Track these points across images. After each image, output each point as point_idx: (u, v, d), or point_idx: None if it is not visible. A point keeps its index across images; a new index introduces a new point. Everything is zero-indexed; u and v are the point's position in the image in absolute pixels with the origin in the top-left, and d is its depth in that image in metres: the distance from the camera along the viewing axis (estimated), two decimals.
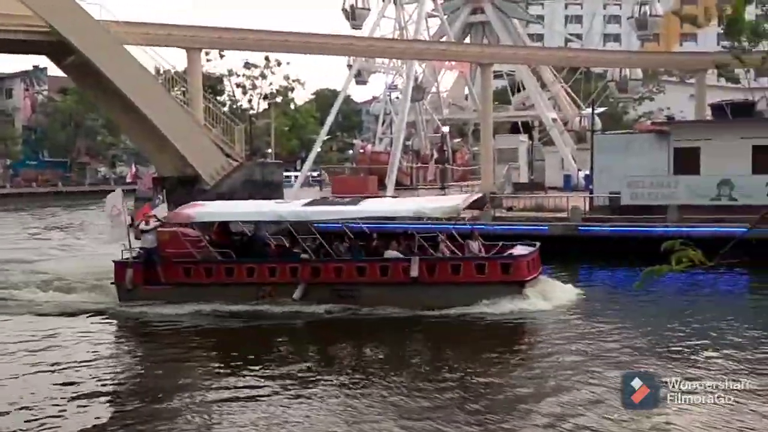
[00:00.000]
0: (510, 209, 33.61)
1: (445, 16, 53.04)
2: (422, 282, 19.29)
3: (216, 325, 18.63)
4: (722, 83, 52.99)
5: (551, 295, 19.75)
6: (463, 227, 22.44)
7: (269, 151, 67.18)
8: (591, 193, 32.74)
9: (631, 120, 66.49)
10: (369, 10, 51.41)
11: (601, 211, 30.92)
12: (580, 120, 54.16)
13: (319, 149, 53.56)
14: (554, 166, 50.01)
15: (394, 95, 55.44)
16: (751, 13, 48.46)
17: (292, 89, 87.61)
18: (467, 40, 55.37)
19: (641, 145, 31.55)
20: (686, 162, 30.16)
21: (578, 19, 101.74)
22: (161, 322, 18.96)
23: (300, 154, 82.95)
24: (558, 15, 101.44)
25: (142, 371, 15.21)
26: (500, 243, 21.16)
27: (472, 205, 23.85)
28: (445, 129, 45.71)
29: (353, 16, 50.35)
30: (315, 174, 55.65)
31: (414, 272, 19.22)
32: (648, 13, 53.32)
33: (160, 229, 21.22)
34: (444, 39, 50.34)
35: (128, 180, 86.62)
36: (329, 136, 64.93)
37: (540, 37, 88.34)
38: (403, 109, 45.22)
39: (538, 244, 21.15)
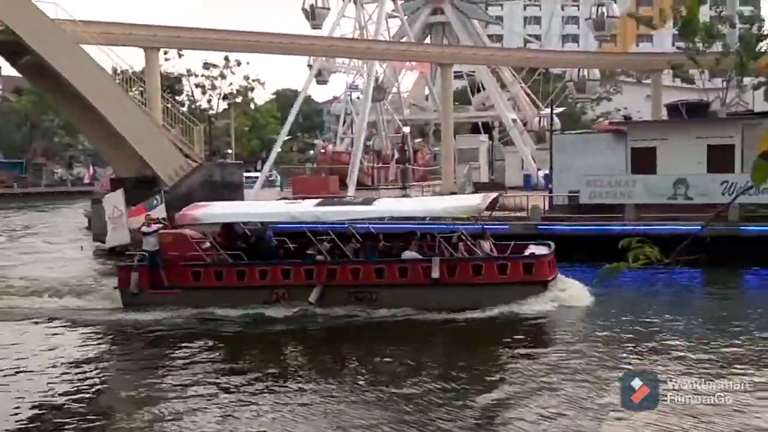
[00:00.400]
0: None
1: (405, 17, 53.16)
2: (443, 283, 18.83)
3: (226, 330, 18.01)
4: (677, 84, 53.77)
5: (571, 295, 19.39)
6: (474, 227, 21.56)
7: (229, 151, 66.69)
8: (550, 192, 33.06)
9: (589, 120, 67.30)
10: (329, 9, 51.30)
11: (561, 210, 31.23)
12: (540, 120, 54.66)
13: (279, 149, 53.34)
14: (514, 165, 50.43)
15: (354, 95, 55.39)
16: (705, 14, 49.35)
17: (252, 89, 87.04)
18: (427, 40, 55.57)
19: (599, 144, 31.96)
20: (643, 161, 30.61)
21: (537, 20, 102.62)
22: (169, 327, 18.27)
23: (260, 154, 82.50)
24: (517, 16, 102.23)
25: (152, 379, 14.36)
26: (512, 243, 20.73)
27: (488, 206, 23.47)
28: (407, 129, 45.83)
29: (313, 15, 50.19)
30: (269, 174, 55.33)
31: (435, 273, 18.80)
32: (605, 14, 54.07)
33: (162, 231, 20.60)
34: (404, 39, 50.45)
35: (86, 181, 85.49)
36: (290, 137, 64.65)
37: (499, 38, 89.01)
38: (364, 109, 45.21)
39: (551, 244, 20.88)
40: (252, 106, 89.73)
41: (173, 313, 18.98)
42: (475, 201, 21.09)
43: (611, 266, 5.21)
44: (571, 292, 19.52)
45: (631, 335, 16.61)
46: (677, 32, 39.72)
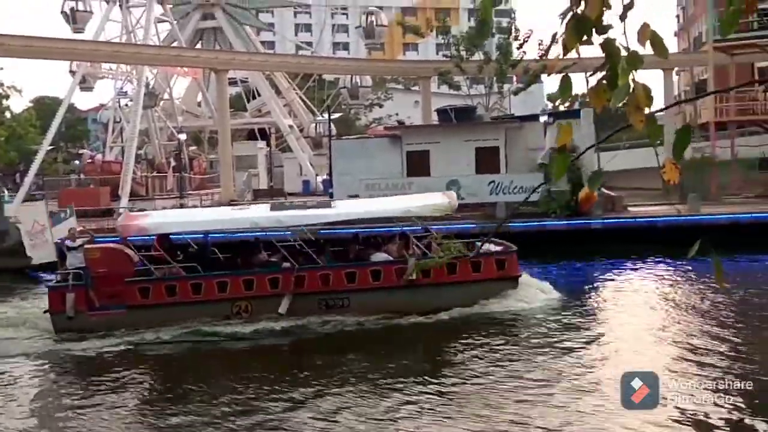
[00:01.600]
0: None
1: (175, 21, 51.68)
2: (418, 284, 18.03)
3: (183, 351, 16.21)
4: (444, 90, 56.50)
5: (536, 292, 19.25)
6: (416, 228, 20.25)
7: None
8: (331, 197, 33.40)
9: (362, 126, 69.03)
10: (91, 13, 48.67)
11: None
12: (316, 126, 55.29)
13: (42, 160, 49.71)
14: (293, 172, 50.63)
15: (123, 102, 52.96)
16: (468, 25, 52.34)
17: (8, 96, 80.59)
18: (198, 46, 54.36)
19: (376, 149, 32.84)
20: (418, 164, 31.82)
21: (308, 27, 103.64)
22: (113, 354, 16.00)
23: (19, 166, 76.57)
24: (288, 23, 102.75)
25: (106, 421, 12.19)
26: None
27: None
28: (183, 136, 44.50)
29: (74, 19, 47.39)
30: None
31: (411, 275, 17.94)
32: (375, 23, 55.73)
33: (87, 246, 18.44)
34: (175, 44, 48.99)
35: None
36: (52, 147, 60.52)
37: (271, 45, 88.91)
38: (135, 117, 43.38)
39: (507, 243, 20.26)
40: (8, 114, 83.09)
41: (117, 339, 16.77)
42: (445, 199, 19.94)
43: (422, 262, 5.35)
44: (534, 289, 19.43)
45: None
46: (443, 41, 41.55)
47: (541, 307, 18.27)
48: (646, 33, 3.45)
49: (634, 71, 3.56)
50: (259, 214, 19.41)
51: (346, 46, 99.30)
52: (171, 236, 19.56)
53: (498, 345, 15.49)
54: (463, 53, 39.25)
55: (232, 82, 55.52)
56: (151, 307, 17.61)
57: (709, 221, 27.21)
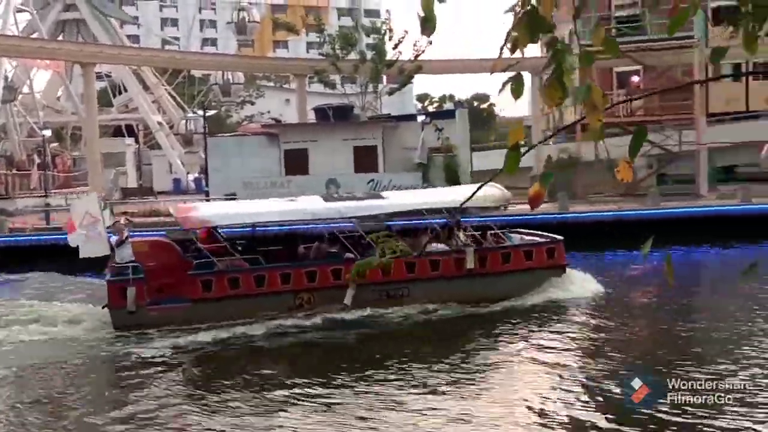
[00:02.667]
0: (125, 215, 32.27)
1: (35, 12, 49.14)
2: (475, 274, 18.08)
3: (253, 344, 15.70)
4: (317, 89, 56.42)
5: (581, 281, 19.33)
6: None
7: None
8: (207, 195, 32.74)
9: (234, 123, 67.90)
10: None
11: None
12: (186, 123, 53.90)
13: None
14: (162, 170, 49.24)
15: None
16: (343, 24, 52.45)
17: None
18: (60, 38, 51.90)
19: (253, 147, 32.40)
20: (296, 162, 31.65)
21: (174, 22, 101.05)
22: (183, 349, 15.31)
23: None
24: (153, 17, 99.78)
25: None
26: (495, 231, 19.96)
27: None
28: (47, 132, 42.31)
29: None
30: None
31: (470, 264, 18.03)
32: (246, 19, 54.96)
33: (134, 240, 17.81)
34: (35, 35, 46.58)
35: None
36: None
37: (136, 39, 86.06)
38: None
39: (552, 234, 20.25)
40: None
41: (188, 334, 16.07)
42: (498, 190, 19.31)
43: (363, 261, 5.27)
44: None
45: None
46: (319, 39, 41.45)
47: (588, 297, 18.83)
48: (599, 33, 3.55)
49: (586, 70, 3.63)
50: (315, 205, 19.11)
51: (214, 42, 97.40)
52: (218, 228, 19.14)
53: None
54: (339, 52, 39.42)
55: (97, 77, 53.36)
56: (214, 301, 17.17)
57: (575, 219, 28.50)
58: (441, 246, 18.91)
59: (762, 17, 3.86)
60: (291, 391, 12.53)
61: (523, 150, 3.87)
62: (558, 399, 11.62)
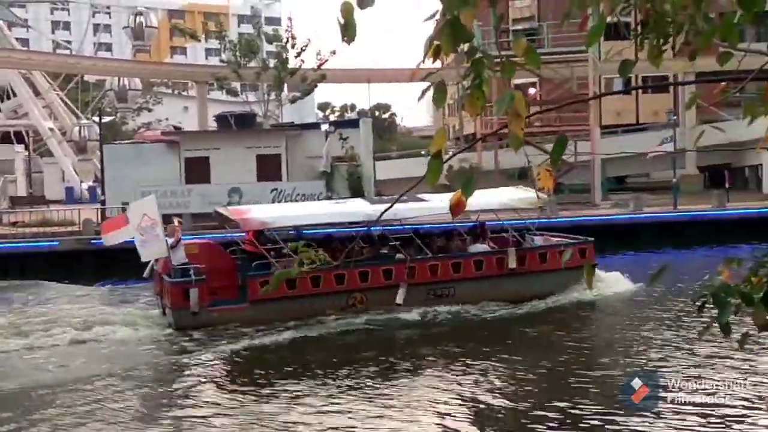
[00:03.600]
0: (15, 224, 31.01)
1: None
2: (516, 273, 18.94)
3: (312, 342, 16.12)
4: (217, 96, 55.65)
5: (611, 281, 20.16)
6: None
7: None
8: (103, 204, 31.69)
9: (131, 130, 66.13)
10: None
11: None
12: (80, 130, 52.11)
13: None
14: (55, 178, 47.52)
15: None
16: (244, 30, 51.85)
17: None
18: None
19: (152, 155, 31.62)
20: (197, 171, 31.05)
21: (66, 25, 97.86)
22: (254, 346, 15.71)
23: None
24: (43, 20, 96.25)
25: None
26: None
27: None
28: None
29: None
30: None
31: (512, 263, 18.86)
32: (144, 23, 53.62)
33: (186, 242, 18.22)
34: None
35: None
36: None
37: (25, 42, 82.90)
38: None
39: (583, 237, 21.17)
40: None
41: (244, 331, 16.47)
42: (531, 193, 19.99)
43: (283, 272, 5.18)
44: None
45: None
46: (221, 46, 40.84)
47: (619, 295, 19.79)
48: (520, 44, 3.59)
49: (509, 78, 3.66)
50: (365, 208, 19.27)
51: (109, 47, 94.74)
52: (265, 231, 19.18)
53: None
54: (240, 59, 38.97)
55: None
56: (272, 301, 17.25)
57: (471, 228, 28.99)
58: (483, 246, 19.84)
59: (665, 33, 4.00)
60: (347, 383, 13.11)
61: (444, 158, 3.87)
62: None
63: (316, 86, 40.01)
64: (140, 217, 17.56)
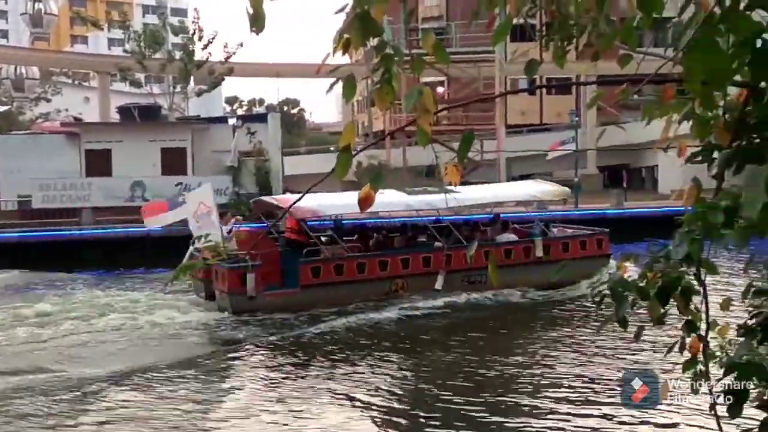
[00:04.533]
0: None
1: None
2: (542, 262, 19.76)
3: (367, 325, 16.90)
4: (120, 87, 54.12)
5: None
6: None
7: None
8: None
9: (28, 120, 63.62)
10: None
11: (9, 216, 29.13)
12: None
13: None
14: None
15: None
16: (149, 21, 50.60)
17: None
18: None
19: (51, 146, 30.55)
20: (98, 164, 30.19)
21: None
22: (311, 329, 16.41)
23: None
24: None
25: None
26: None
27: None
28: None
29: None
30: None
31: (539, 252, 19.98)
32: (43, 10, 51.75)
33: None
34: None
35: None
36: None
37: None
38: None
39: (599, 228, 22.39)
40: None
41: (299, 315, 17.39)
42: (557, 186, 22.45)
43: (185, 264, 5.07)
44: None
45: None
46: (125, 36, 39.79)
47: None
48: (429, 40, 3.62)
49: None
50: (407, 198, 20.54)
51: (5, 34, 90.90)
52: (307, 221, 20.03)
53: None
54: (145, 50, 38.04)
55: None
56: (321, 286, 18.25)
57: (386, 224, 29.15)
58: (512, 236, 21.03)
59: (569, 35, 4.10)
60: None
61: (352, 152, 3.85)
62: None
63: (223, 79, 39.46)
64: (197, 205, 18.46)
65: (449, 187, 19.99)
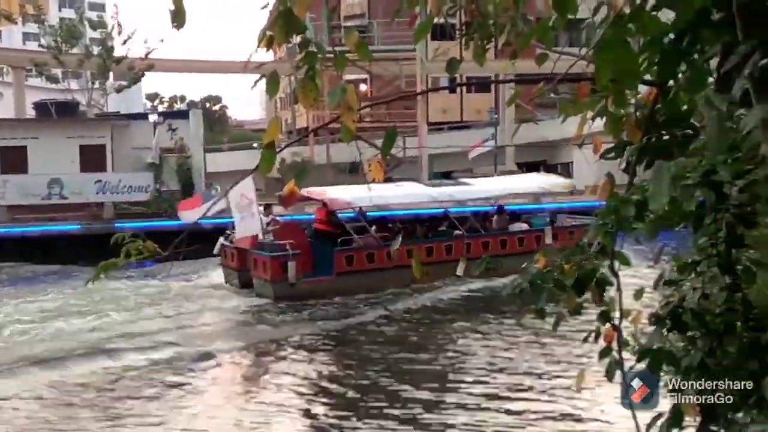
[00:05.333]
0: None
1: None
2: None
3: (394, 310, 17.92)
4: (35, 83, 52.40)
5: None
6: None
7: None
8: None
9: None
10: None
11: None
12: None
13: None
14: None
15: None
16: (66, 15, 49.21)
17: None
18: None
19: None
20: (13, 161, 29.27)
21: None
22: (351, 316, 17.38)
23: None
24: None
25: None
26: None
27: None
28: None
29: None
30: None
31: (549, 240, 21.02)
32: None
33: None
34: None
35: None
36: None
37: None
38: None
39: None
40: None
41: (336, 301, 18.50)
42: (564, 179, 24.73)
43: (107, 262, 4.96)
44: None
45: None
46: (40, 30, 38.63)
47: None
48: (352, 37, 3.66)
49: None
50: (429, 191, 22.43)
51: None
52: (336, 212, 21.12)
53: None
54: (62, 45, 36.99)
55: None
56: (354, 273, 19.44)
57: (309, 220, 29.17)
58: (524, 226, 22.47)
59: (488, 34, 4.20)
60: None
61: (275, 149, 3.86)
62: None
63: (143, 75, 38.67)
64: (239, 197, 18.91)
65: (466, 180, 22.72)
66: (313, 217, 22.42)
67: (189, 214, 19.92)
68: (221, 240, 20.95)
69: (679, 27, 1.98)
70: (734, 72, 1.75)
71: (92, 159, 29.75)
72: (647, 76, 2.82)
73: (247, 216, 18.94)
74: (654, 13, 2.15)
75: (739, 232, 3.21)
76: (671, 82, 2.80)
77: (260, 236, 19.28)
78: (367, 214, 22.51)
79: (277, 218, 21.24)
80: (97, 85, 38.86)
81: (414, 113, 40.88)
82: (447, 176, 47.23)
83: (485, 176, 29.34)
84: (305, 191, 22.31)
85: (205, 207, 19.80)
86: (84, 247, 22.46)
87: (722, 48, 1.83)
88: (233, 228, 19.27)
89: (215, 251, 21.01)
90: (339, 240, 19.87)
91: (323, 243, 19.97)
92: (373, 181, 4.09)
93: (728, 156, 2.67)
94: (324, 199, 20.55)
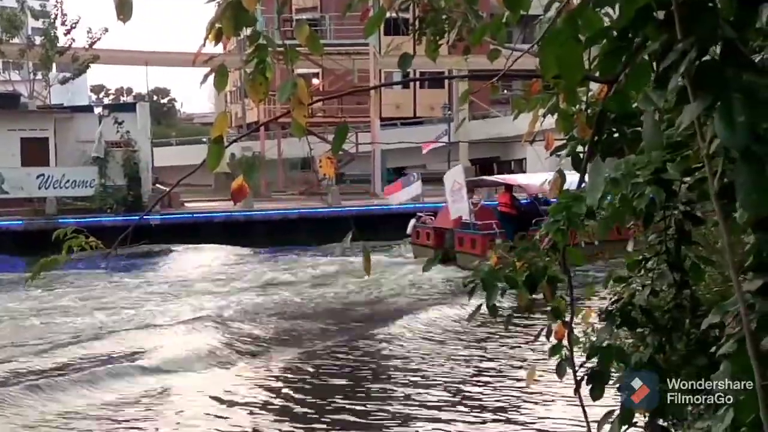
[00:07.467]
0: None
1: None
2: (602, 240, 20.17)
3: None
4: None
5: None
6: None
7: None
8: None
9: None
10: None
11: None
12: None
13: None
14: None
15: None
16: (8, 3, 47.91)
17: None
18: None
19: None
20: None
21: None
22: None
23: None
24: None
25: None
26: None
27: None
28: None
29: None
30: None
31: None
32: None
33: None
34: None
35: None
36: None
37: None
38: None
39: None
40: None
41: None
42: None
43: (48, 259, 4.84)
44: None
45: None
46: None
47: None
48: (303, 30, 3.60)
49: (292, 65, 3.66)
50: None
51: None
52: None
53: None
54: (2, 35, 36.03)
55: None
56: None
57: (262, 216, 29.06)
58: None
59: (441, 29, 4.18)
60: None
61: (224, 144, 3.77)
62: None
63: (88, 67, 37.85)
64: (452, 183, 21.25)
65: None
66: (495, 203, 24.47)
67: (395, 197, 23.14)
68: (413, 221, 23.56)
69: (621, 24, 1.98)
70: (671, 69, 1.76)
71: (34, 153, 29.07)
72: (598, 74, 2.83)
73: (458, 199, 21.42)
74: (597, 9, 2.15)
75: (687, 229, 3.25)
76: (622, 78, 2.81)
77: (465, 217, 21.48)
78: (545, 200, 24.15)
79: (483, 203, 23.68)
80: (39, 77, 37.93)
81: (367, 108, 40.83)
82: (400, 172, 47.46)
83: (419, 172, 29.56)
84: (494, 178, 25.41)
85: (406, 191, 23.23)
86: (25, 245, 22.06)
87: (661, 45, 1.84)
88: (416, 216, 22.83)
89: (408, 231, 23.51)
90: (534, 221, 21.21)
91: (507, 224, 21.86)
92: (324, 176, 4.04)
93: (675, 154, 2.69)
94: (523, 185, 23.04)
